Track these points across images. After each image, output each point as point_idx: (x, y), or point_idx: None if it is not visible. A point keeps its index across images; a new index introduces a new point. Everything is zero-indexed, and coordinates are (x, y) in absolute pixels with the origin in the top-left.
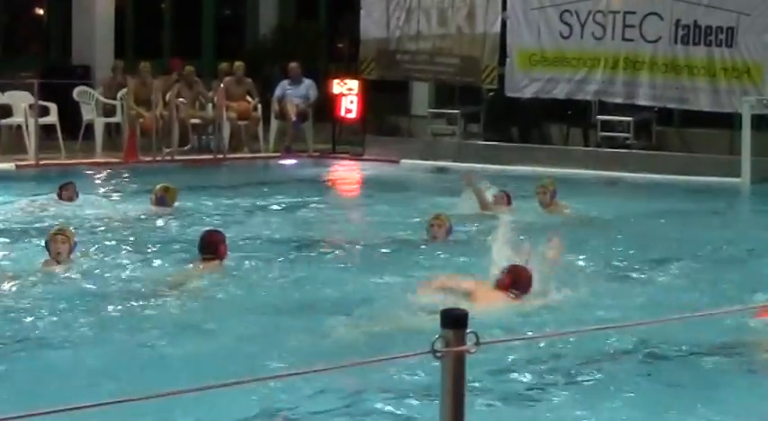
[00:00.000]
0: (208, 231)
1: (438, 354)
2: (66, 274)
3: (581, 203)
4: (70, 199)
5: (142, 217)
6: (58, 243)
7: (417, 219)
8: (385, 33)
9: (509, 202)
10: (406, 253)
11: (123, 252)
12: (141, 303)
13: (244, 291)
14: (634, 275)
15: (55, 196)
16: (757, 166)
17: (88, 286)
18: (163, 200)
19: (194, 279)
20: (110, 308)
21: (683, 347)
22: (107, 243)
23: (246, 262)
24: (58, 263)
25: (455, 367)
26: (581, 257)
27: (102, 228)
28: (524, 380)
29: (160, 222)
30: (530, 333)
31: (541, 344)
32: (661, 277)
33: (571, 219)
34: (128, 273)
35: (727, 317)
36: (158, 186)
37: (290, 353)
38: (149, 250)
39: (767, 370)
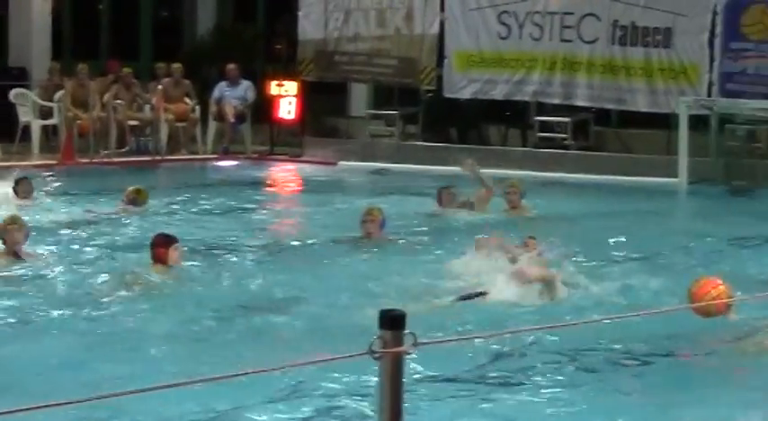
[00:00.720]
0: (158, 235)
1: (376, 355)
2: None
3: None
4: (26, 195)
5: (78, 219)
6: (14, 232)
7: (356, 220)
8: (323, 35)
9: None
10: (344, 252)
11: (65, 255)
12: (83, 307)
13: (187, 292)
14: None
15: (11, 193)
16: (694, 167)
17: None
18: (135, 201)
19: (140, 281)
20: (54, 310)
21: (628, 347)
22: (47, 246)
23: (187, 264)
24: (15, 254)
25: (393, 368)
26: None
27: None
28: (466, 378)
29: (95, 226)
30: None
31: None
32: (601, 277)
33: (539, 218)
34: (69, 276)
35: (666, 316)
36: (130, 188)
37: (233, 353)
38: (88, 254)
39: (706, 366)
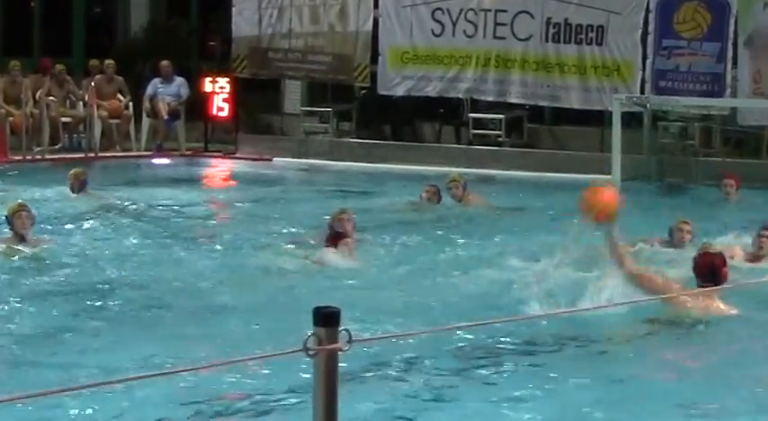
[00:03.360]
0: None
1: (310, 353)
2: None
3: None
4: None
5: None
6: (23, 218)
7: (292, 215)
8: (257, 31)
9: (439, 199)
10: (284, 250)
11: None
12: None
13: (118, 291)
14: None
15: None
16: (627, 164)
17: None
18: (84, 184)
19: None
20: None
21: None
22: None
23: (122, 262)
24: (24, 239)
25: (327, 365)
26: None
27: None
28: (401, 375)
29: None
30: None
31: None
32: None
33: (493, 208)
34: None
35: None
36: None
37: (173, 351)
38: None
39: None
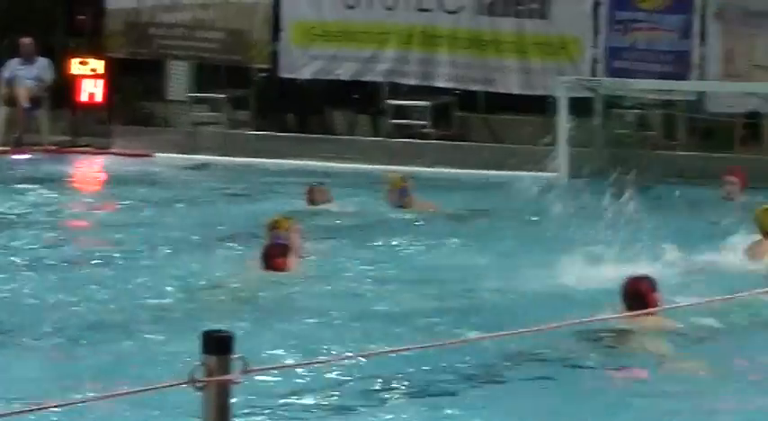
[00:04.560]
0: None
1: (198, 385)
2: None
3: (368, 203)
4: None
5: None
6: None
7: (178, 221)
8: (135, 3)
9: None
10: (169, 258)
11: None
12: None
13: None
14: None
15: None
16: (577, 159)
17: None
18: None
19: None
20: None
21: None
22: None
23: None
24: None
25: (218, 398)
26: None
27: None
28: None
29: None
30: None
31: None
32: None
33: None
34: None
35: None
36: None
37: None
38: None
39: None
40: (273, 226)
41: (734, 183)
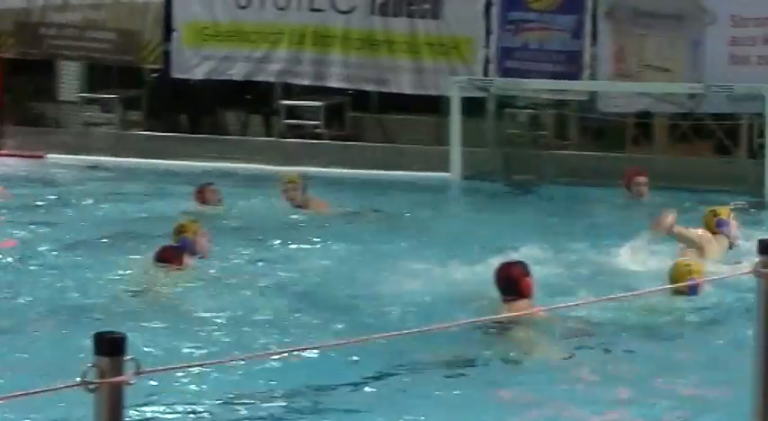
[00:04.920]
0: None
1: (91, 387)
2: None
3: (259, 204)
4: None
5: None
6: None
7: (71, 225)
8: (25, 3)
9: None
10: (61, 259)
11: None
12: None
13: None
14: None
15: None
16: (469, 159)
17: None
18: None
19: None
20: None
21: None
22: None
23: None
24: None
25: (111, 400)
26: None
27: None
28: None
29: None
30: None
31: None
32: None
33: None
34: None
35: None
36: None
37: None
38: None
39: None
40: (180, 230)
41: (643, 183)
